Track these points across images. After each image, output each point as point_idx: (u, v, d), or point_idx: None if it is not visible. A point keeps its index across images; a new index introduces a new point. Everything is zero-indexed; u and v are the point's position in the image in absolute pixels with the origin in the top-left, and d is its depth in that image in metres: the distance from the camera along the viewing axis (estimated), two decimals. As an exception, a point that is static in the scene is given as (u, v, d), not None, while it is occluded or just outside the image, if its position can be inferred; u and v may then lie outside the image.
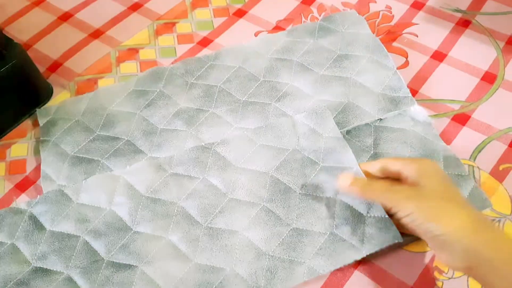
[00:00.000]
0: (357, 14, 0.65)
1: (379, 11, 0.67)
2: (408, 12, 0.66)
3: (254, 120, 0.55)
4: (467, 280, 0.45)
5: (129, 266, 0.46)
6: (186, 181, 0.51)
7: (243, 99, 0.57)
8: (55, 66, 0.64)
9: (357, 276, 0.46)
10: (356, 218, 0.47)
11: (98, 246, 0.48)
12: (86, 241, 0.48)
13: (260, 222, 0.48)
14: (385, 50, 0.61)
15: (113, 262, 0.47)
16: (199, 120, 0.56)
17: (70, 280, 0.46)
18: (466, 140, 0.54)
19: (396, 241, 0.45)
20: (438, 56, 0.61)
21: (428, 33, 0.64)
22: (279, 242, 0.47)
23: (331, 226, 0.47)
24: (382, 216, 0.47)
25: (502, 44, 0.62)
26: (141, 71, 0.63)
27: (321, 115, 0.55)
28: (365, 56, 0.60)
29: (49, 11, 0.71)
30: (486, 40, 0.62)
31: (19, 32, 0.68)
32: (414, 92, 0.58)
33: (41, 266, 0.47)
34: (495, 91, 0.57)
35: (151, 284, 0.45)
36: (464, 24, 0.64)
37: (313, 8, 0.68)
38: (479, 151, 0.53)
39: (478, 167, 0.52)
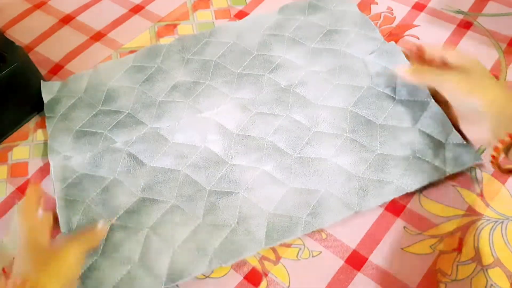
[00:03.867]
0: None
1: (381, 13, 0.67)
2: (410, 14, 0.66)
3: (249, 90, 0.58)
4: (470, 282, 0.45)
5: (231, 193, 0.50)
6: (271, 118, 0.55)
7: (238, 71, 0.60)
8: (56, 68, 0.65)
9: (360, 278, 0.46)
10: (436, 145, 0.52)
11: (199, 178, 0.52)
12: (187, 174, 0.52)
13: (346, 149, 0.52)
14: (373, 24, 0.63)
15: (215, 190, 0.51)
16: (196, 92, 0.58)
17: (177, 207, 0.50)
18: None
19: (477, 162, 0.50)
20: (440, 58, 0.61)
21: (430, 34, 0.64)
22: (366, 166, 0.51)
23: (414, 151, 0.51)
24: (461, 142, 0.51)
25: (504, 46, 0.62)
26: (142, 73, 0.63)
27: (391, 52, 0.59)
28: (353, 30, 0.63)
29: (50, 14, 0.71)
30: (488, 41, 0.62)
31: (21, 35, 0.69)
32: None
33: (148, 197, 0.51)
34: (497, 93, 0.57)
35: (254, 206, 0.49)
36: (465, 25, 0.64)
37: (315, 10, 0.68)
38: (482, 153, 0.52)
39: (480, 169, 0.52)
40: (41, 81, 0.60)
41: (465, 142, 0.51)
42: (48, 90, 0.60)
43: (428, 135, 0.52)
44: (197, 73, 0.60)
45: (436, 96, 0.54)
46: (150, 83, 0.60)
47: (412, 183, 0.50)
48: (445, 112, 0.53)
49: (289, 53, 0.61)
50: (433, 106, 0.54)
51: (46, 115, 0.58)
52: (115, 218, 0.49)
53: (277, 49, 0.62)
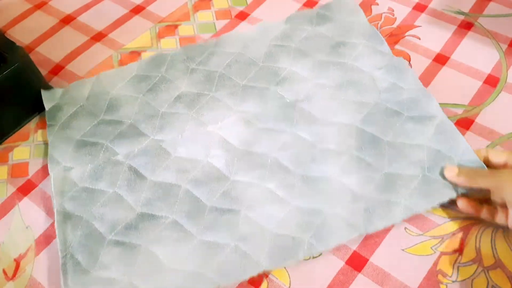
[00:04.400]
0: (354, 2, 0.67)
1: (382, 13, 0.67)
2: (411, 15, 0.66)
3: (253, 103, 0.57)
4: (471, 283, 0.45)
5: (232, 210, 0.49)
6: (276, 134, 0.54)
7: (243, 83, 0.59)
8: (57, 69, 0.64)
9: (360, 279, 0.46)
10: (447, 162, 0.50)
11: (200, 193, 0.50)
12: (188, 189, 0.51)
13: (352, 168, 0.51)
14: (381, 36, 0.62)
15: (216, 207, 0.49)
16: (200, 104, 0.57)
17: (176, 223, 0.49)
18: (470, 145, 0.53)
19: None
20: (441, 59, 0.61)
21: (431, 35, 0.64)
22: (373, 185, 0.49)
23: (423, 169, 0.50)
24: (473, 159, 0.49)
25: (504, 47, 0.62)
26: (143, 74, 0.63)
27: (399, 68, 0.58)
28: (362, 42, 0.61)
29: (51, 14, 0.71)
30: (489, 42, 0.62)
31: (21, 35, 0.68)
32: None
33: (147, 212, 0.50)
34: (498, 95, 0.57)
35: (255, 224, 0.48)
36: (466, 26, 0.64)
37: (315, 11, 0.68)
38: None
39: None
40: (42, 89, 0.59)
41: (477, 158, 0.49)
42: (50, 98, 0.59)
43: (439, 152, 0.51)
44: (201, 84, 0.59)
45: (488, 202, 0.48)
46: (153, 93, 0.59)
47: (422, 203, 0.48)
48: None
49: (295, 65, 0.60)
50: (443, 120, 0.53)
51: (48, 122, 0.57)
52: (113, 233, 0.48)
53: (283, 60, 0.61)
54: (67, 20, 0.70)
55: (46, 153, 0.56)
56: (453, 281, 0.45)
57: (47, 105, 0.58)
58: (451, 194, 0.48)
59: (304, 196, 0.49)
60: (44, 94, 0.59)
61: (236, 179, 0.51)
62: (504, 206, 0.45)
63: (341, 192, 0.49)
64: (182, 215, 0.49)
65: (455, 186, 0.48)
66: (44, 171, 0.55)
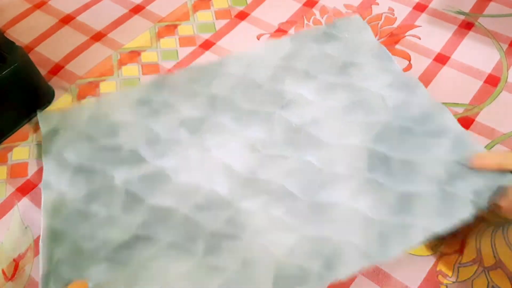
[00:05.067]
0: (361, 20, 0.64)
1: (382, 13, 0.67)
2: (411, 14, 0.66)
3: (258, 128, 0.55)
4: (472, 284, 0.45)
5: (235, 237, 0.46)
6: (282, 160, 0.51)
7: (247, 107, 0.57)
8: (56, 68, 0.64)
9: (361, 279, 0.46)
10: (467, 173, 0.47)
11: (201, 218, 0.48)
12: (188, 214, 0.48)
13: (363, 191, 0.48)
14: (390, 55, 0.60)
15: (218, 233, 0.47)
16: (203, 128, 0.55)
17: (174, 244, 0.46)
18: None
19: None
20: (441, 59, 0.61)
21: (431, 35, 0.63)
22: (387, 207, 0.46)
23: (440, 183, 0.47)
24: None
25: (505, 47, 0.61)
26: (143, 74, 0.63)
27: (409, 85, 0.56)
28: (370, 62, 0.59)
29: (50, 14, 0.71)
30: (489, 42, 0.62)
31: (21, 35, 0.68)
32: (417, 95, 0.57)
33: (142, 233, 0.47)
34: (498, 94, 0.57)
35: (260, 251, 0.45)
36: (467, 26, 0.64)
37: (316, 11, 0.68)
38: (483, 155, 0.52)
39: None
40: (39, 112, 0.58)
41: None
42: (47, 121, 0.57)
43: (458, 162, 0.47)
44: (204, 108, 0.57)
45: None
46: (155, 117, 0.56)
47: (441, 222, 0.44)
48: None
49: (301, 87, 0.58)
50: (460, 132, 0.51)
51: (43, 146, 0.55)
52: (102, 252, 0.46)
53: (289, 82, 0.58)
54: (67, 19, 0.70)
55: (45, 153, 0.56)
56: (453, 282, 0.45)
57: (44, 129, 0.56)
58: (474, 210, 0.45)
59: (312, 223, 0.47)
60: (41, 117, 0.57)
61: (240, 206, 0.49)
62: None
63: (352, 217, 0.46)
64: (181, 238, 0.47)
65: (479, 193, 0.45)
66: (43, 172, 0.55)
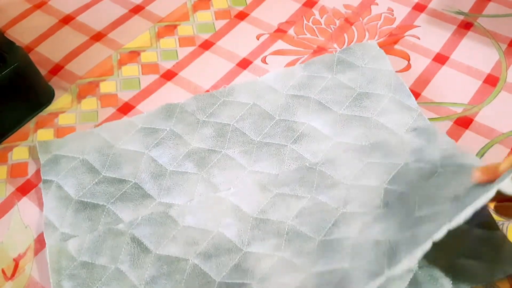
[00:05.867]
0: (378, 47, 0.61)
1: (381, 14, 0.67)
2: (410, 15, 0.66)
3: (269, 163, 0.53)
4: (471, 284, 0.45)
5: (243, 284, 0.45)
6: (294, 200, 0.49)
7: (258, 139, 0.55)
8: (56, 69, 0.64)
9: None
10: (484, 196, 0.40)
11: (209, 268, 0.46)
12: (196, 264, 0.46)
13: (376, 223, 0.46)
14: (408, 89, 0.57)
15: (226, 282, 0.45)
16: (211, 162, 0.53)
17: None
18: (469, 143, 0.53)
19: None
20: (440, 59, 0.61)
21: (430, 35, 0.64)
22: (398, 228, 0.43)
23: (457, 198, 0.41)
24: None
25: (504, 47, 0.62)
26: (142, 74, 0.63)
27: (429, 131, 0.53)
28: (387, 95, 0.57)
29: (50, 14, 0.71)
30: (488, 42, 0.62)
31: (21, 35, 0.69)
32: (416, 95, 0.58)
33: None
34: (497, 94, 0.57)
35: None
36: (466, 26, 0.64)
37: (315, 11, 0.68)
38: (482, 155, 0.52)
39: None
40: (37, 141, 0.56)
41: None
42: (46, 149, 0.55)
43: (475, 187, 0.41)
44: (212, 140, 0.55)
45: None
46: (160, 149, 0.54)
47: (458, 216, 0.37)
48: None
49: (314, 119, 0.55)
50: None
51: (42, 178, 0.53)
52: None
53: (301, 114, 0.56)
54: (67, 20, 0.70)
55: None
56: (452, 281, 0.45)
57: (42, 158, 0.54)
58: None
59: (322, 259, 0.45)
60: (40, 145, 0.55)
61: (248, 250, 0.47)
62: None
63: (363, 244, 0.44)
64: None
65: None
66: (43, 171, 0.55)
